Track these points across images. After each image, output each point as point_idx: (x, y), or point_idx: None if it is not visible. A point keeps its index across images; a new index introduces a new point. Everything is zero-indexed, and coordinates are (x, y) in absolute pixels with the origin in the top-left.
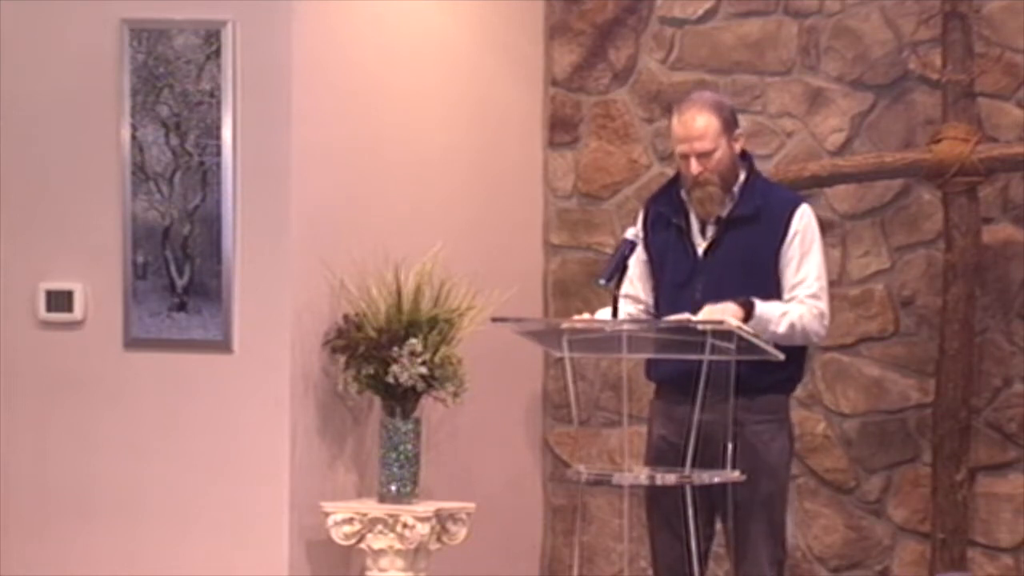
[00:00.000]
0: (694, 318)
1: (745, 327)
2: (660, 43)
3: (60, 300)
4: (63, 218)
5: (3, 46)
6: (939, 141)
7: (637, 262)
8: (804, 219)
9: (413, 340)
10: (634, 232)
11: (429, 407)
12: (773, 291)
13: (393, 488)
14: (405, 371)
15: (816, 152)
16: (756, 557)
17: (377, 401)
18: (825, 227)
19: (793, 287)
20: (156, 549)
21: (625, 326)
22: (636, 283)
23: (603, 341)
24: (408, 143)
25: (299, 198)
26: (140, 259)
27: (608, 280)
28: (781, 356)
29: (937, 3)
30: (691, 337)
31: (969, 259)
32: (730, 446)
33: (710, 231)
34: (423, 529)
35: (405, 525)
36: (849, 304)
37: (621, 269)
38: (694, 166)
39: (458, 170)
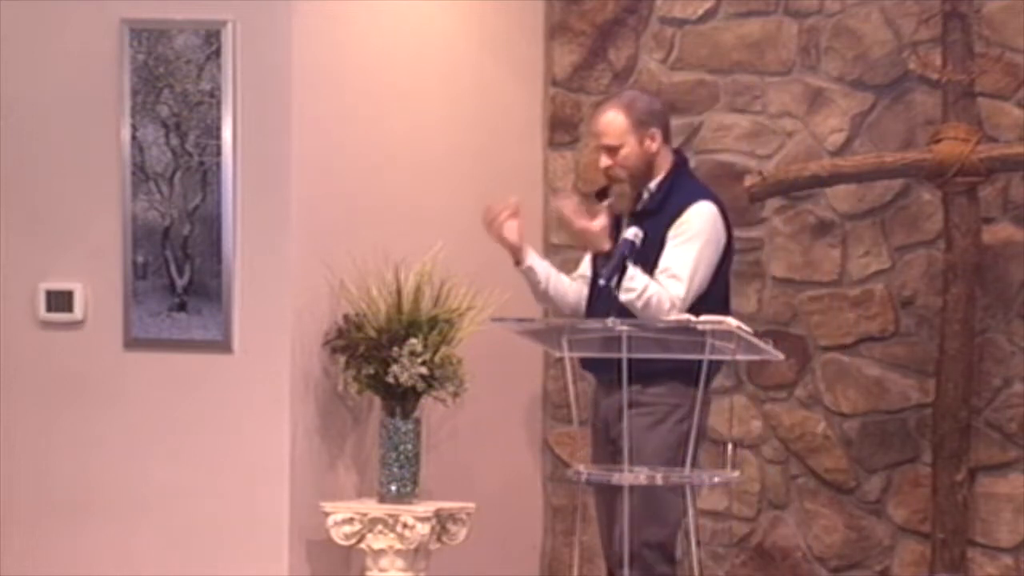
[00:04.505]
0: (694, 318)
1: (745, 327)
2: (660, 43)
3: (60, 300)
4: (63, 218)
5: (3, 46)
6: (939, 141)
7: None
8: (695, 212)
9: (413, 340)
10: (634, 232)
11: (429, 407)
12: None
13: (393, 488)
14: (405, 371)
15: (816, 152)
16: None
17: (377, 401)
18: (825, 227)
19: (661, 271)
20: (156, 549)
21: (625, 326)
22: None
23: (603, 341)
24: (408, 143)
25: (299, 198)
26: (140, 259)
27: (608, 280)
28: (781, 356)
29: (937, 3)
30: (691, 337)
31: (969, 259)
32: (731, 446)
33: (627, 224)
34: (423, 529)
35: (405, 525)
36: (849, 304)
37: (621, 269)
38: (603, 160)
39: (458, 170)
